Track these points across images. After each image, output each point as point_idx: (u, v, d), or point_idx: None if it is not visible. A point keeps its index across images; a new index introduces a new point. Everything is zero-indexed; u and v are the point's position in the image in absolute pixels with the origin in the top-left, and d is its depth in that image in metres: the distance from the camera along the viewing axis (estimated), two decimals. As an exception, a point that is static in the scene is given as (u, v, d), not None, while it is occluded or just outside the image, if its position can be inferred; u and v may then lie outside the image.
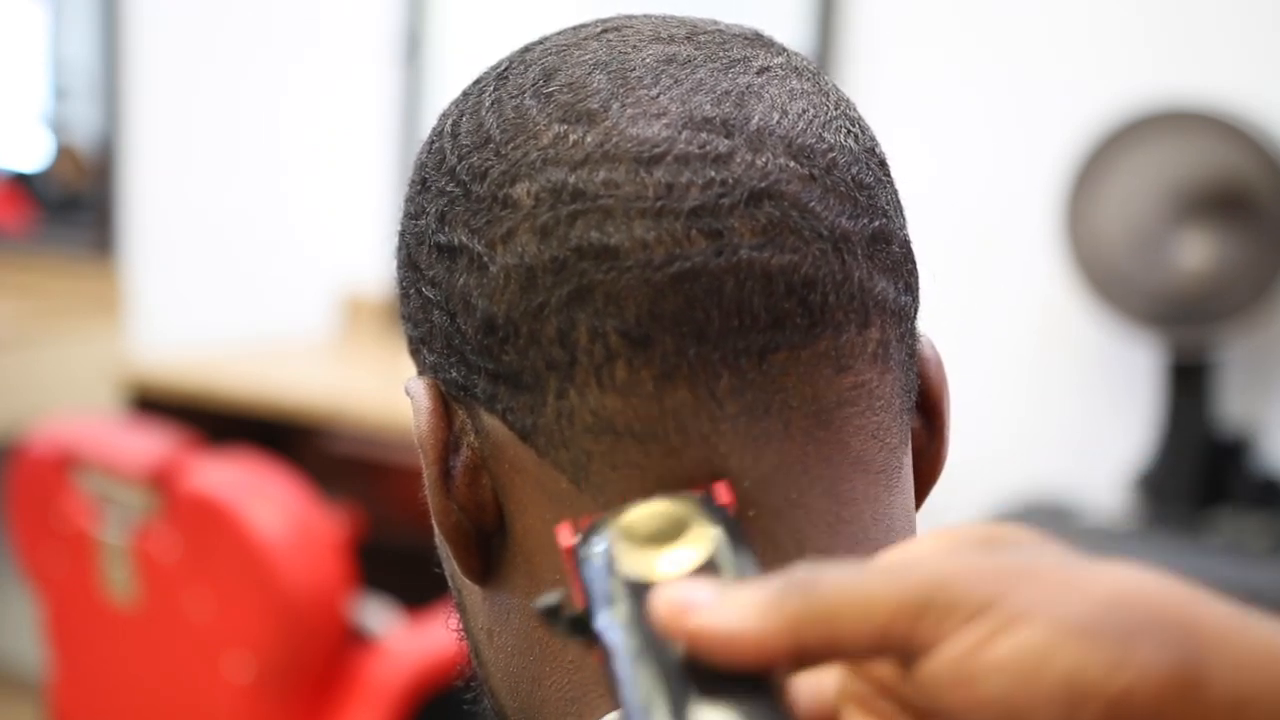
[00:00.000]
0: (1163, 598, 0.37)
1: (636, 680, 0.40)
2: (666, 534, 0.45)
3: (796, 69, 0.54)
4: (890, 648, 0.38)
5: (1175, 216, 2.07)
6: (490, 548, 0.54)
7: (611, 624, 0.42)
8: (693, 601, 0.40)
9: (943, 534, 0.41)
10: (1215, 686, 0.36)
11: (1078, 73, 2.28)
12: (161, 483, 2.01)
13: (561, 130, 0.51)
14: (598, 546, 0.45)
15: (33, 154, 3.83)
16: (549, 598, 0.43)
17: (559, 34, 0.56)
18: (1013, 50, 2.33)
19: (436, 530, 0.56)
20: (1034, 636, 0.36)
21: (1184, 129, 2.08)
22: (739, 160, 0.50)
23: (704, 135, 0.50)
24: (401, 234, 0.57)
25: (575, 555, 0.45)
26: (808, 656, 0.39)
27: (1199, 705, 0.36)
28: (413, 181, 0.56)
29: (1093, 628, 0.36)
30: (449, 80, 2.74)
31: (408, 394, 0.56)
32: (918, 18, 2.42)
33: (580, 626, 0.43)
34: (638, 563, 0.44)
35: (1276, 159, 2.03)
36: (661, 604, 0.40)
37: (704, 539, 0.45)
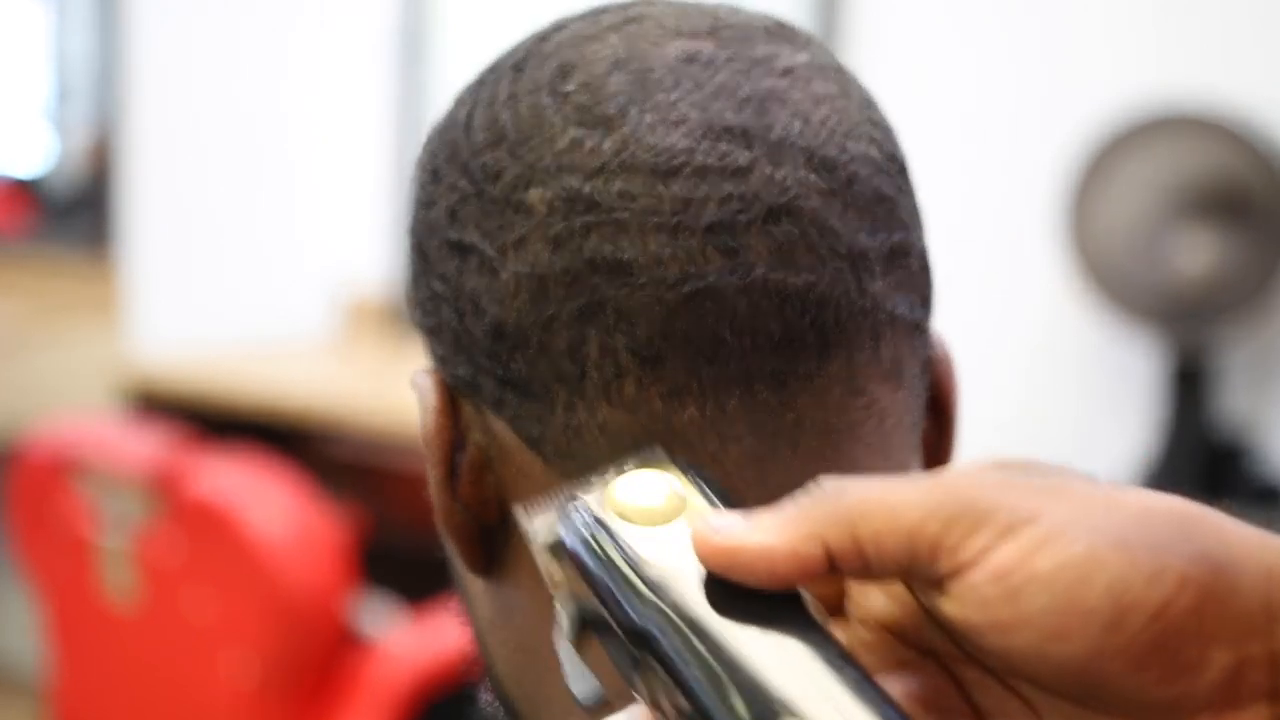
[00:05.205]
0: (1189, 511, 0.38)
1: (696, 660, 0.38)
2: (658, 509, 0.43)
3: (821, 68, 0.52)
4: (918, 557, 0.38)
5: (1176, 218, 2.07)
6: (494, 542, 0.54)
7: (646, 611, 0.40)
8: (723, 526, 0.40)
9: (966, 463, 0.41)
10: (1249, 592, 0.36)
11: (1080, 78, 2.28)
12: (161, 486, 2.01)
13: (578, 135, 0.49)
14: (595, 535, 0.42)
15: (33, 155, 3.83)
16: (564, 623, 0.42)
17: (578, 20, 0.54)
18: (1016, 52, 2.33)
19: (439, 524, 0.55)
20: (1075, 551, 0.36)
21: (1185, 132, 2.08)
22: (758, 174, 0.49)
23: (724, 146, 0.49)
24: (413, 221, 0.55)
25: (568, 549, 0.42)
26: (836, 562, 0.39)
27: (1233, 607, 0.36)
28: (423, 166, 0.55)
29: (1129, 540, 0.36)
30: (450, 79, 2.74)
31: (414, 388, 0.55)
32: (920, 17, 2.42)
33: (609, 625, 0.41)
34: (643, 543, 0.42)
35: (1274, 163, 2.03)
36: (695, 533, 0.40)
37: (692, 503, 0.43)
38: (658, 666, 0.39)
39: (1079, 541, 0.36)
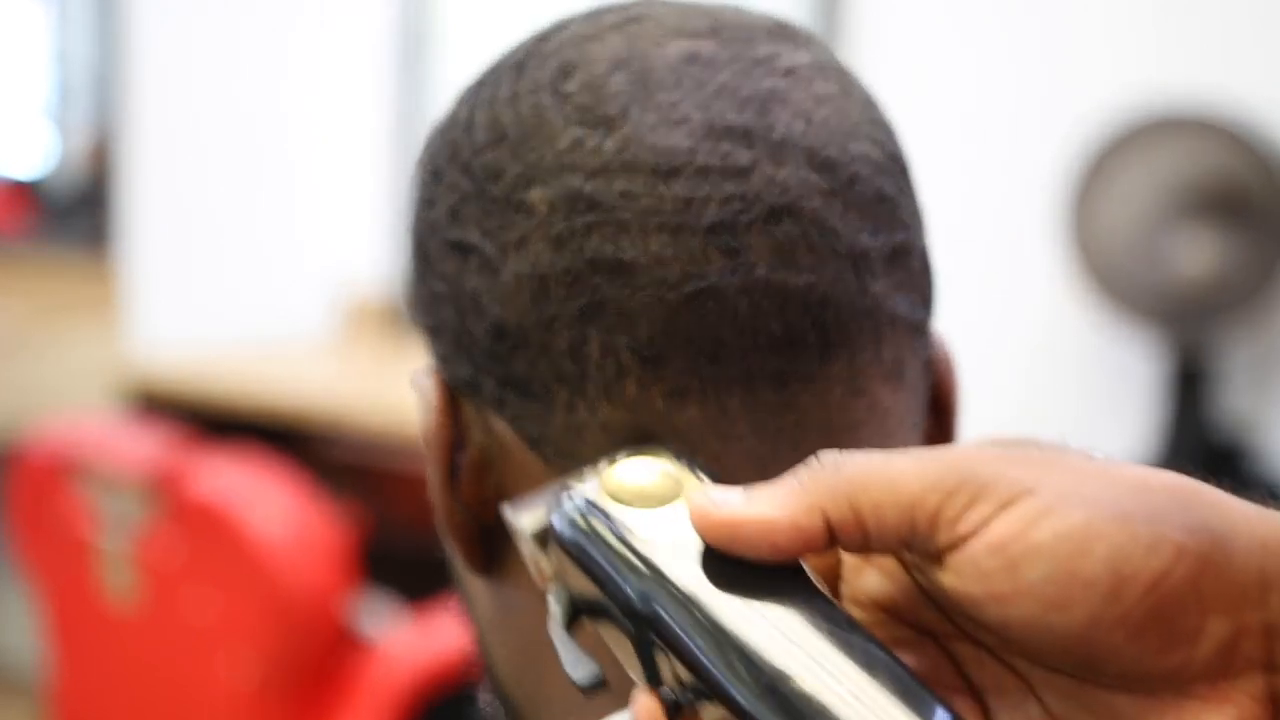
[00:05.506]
0: (1185, 484, 0.38)
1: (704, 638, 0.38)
2: (653, 492, 0.43)
3: (822, 68, 0.52)
4: (917, 529, 0.38)
5: (1176, 218, 2.07)
6: (494, 542, 0.54)
7: (645, 588, 0.40)
8: (723, 500, 0.40)
9: (965, 441, 0.41)
10: (1244, 563, 0.36)
11: (1080, 78, 2.28)
12: (161, 487, 2.01)
13: (580, 134, 0.49)
14: (587, 517, 0.42)
15: (33, 155, 3.83)
16: (556, 612, 0.42)
17: (579, 20, 0.54)
18: (1016, 52, 2.33)
19: (439, 524, 0.55)
20: (1074, 522, 0.36)
21: (1185, 133, 2.08)
22: (759, 174, 0.49)
23: (725, 146, 0.49)
24: (413, 220, 0.55)
25: (557, 534, 0.42)
26: (836, 534, 0.39)
27: (1229, 578, 0.36)
28: (424, 166, 0.55)
29: (1127, 511, 0.36)
30: (450, 79, 2.73)
31: (415, 387, 0.55)
32: (920, 17, 2.42)
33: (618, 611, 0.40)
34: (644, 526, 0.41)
35: (1274, 163, 2.03)
36: (694, 508, 0.40)
37: (688, 485, 0.43)
38: (660, 643, 0.39)
39: (1077, 512, 0.37)
